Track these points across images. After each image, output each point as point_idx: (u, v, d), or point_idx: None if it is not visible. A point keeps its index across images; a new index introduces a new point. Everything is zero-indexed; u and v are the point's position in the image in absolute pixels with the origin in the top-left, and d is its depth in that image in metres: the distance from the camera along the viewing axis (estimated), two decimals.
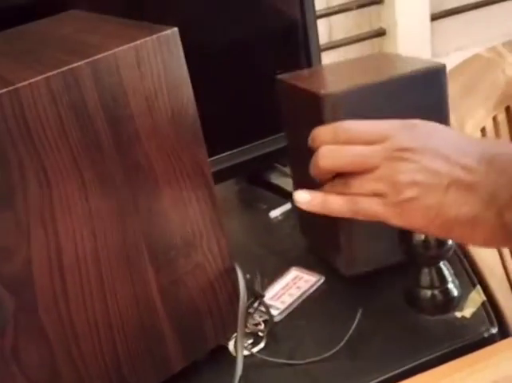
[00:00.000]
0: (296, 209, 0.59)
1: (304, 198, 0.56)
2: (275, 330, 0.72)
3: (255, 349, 0.69)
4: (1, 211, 0.50)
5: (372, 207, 0.52)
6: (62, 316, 0.56)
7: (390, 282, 0.72)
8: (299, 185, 0.72)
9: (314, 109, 0.67)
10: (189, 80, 0.58)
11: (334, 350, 0.66)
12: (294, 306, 0.75)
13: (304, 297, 0.75)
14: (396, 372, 0.63)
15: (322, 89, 0.67)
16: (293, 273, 0.79)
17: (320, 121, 0.65)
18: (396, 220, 0.51)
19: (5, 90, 0.49)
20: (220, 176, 0.82)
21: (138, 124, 0.56)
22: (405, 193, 0.49)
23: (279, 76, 0.77)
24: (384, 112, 0.64)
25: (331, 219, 0.70)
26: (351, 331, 0.67)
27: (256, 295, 0.76)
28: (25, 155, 0.50)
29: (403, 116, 0.55)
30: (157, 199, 0.59)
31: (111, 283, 0.58)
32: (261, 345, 0.69)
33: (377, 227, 0.67)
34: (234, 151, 0.92)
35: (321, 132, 0.56)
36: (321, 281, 0.77)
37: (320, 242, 0.79)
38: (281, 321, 0.73)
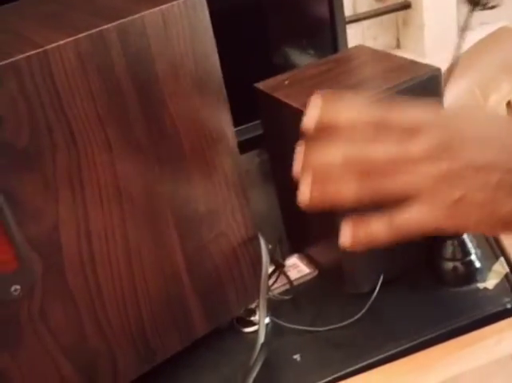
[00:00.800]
0: None
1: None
2: (296, 298, 0.72)
3: (276, 317, 0.69)
4: (30, 172, 0.51)
5: (415, 216, 0.44)
6: (89, 280, 0.56)
7: (412, 254, 0.72)
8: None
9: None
10: (215, 46, 0.58)
11: (355, 317, 0.66)
12: (314, 274, 0.75)
13: None
14: (417, 341, 0.63)
15: None
16: None
17: None
18: (448, 223, 0.44)
19: (34, 52, 0.49)
20: (242, 148, 0.82)
21: (164, 88, 0.56)
22: (454, 193, 0.43)
23: (258, 85, 0.72)
24: None
25: (326, 229, 0.70)
26: (372, 299, 0.67)
27: (277, 264, 0.76)
28: (54, 118, 0.51)
29: None
30: (182, 164, 0.59)
31: (137, 249, 0.59)
32: (283, 312, 0.70)
33: None
34: (256, 122, 0.91)
35: (345, 119, 0.44)
36: None
37: (313, 251, 0.77)
38: (301, 289, 0.73)
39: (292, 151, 0.71)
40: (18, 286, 0.52)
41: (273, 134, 0.74)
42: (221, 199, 0.63)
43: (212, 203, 0.62)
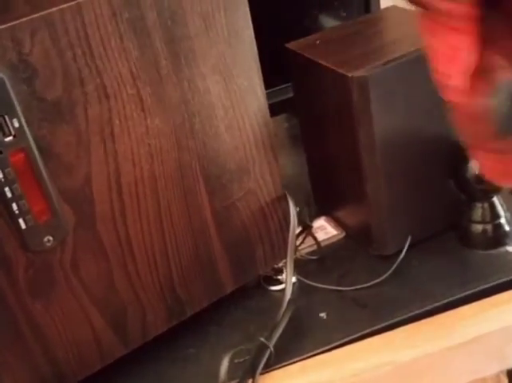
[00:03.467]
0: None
1: None
2: (322, 259, 0.72)
3: (303, 276, 0.70)
4: (63, 125, 0.52)
5: None
6: (119, 234, 0.57)
7: (441, 216, 0.71)
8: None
9: (339, 90, 0.65)
10: (247, 4, 0.58)
11: (382, 278, 0.66)
12: (341, 236, 0.75)
13: None
14: (443, 302, 0.63)
15: (350, 69, 0.62)
16: None
17: (347, 105, 0.63)
18: None
19: (67, 5, 0.49)
20: (270, 111, 0.82)
21: (195, 43, 0.56)
22: None
23: (290, 45, 0.72)
24: (422, 88, 0.63)
25: (354, 192, 0.69)
26: (399, 260, 0.67)
27: (304, 226, 0.77)
28: (86, 71, 0.51)
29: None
30: (212, 121, 0.59)
31: (166, 205, 0.59)
32: (309, 272, 0.70)
33: (408, 200, 0.67)
34: (284, 86, 0.91)
35: None
36: None
37: (341, 213, 0.77)
38: (328, 250, 0.74)
39: (322, 112, 0.71)
40: (51, 237, 0.54)
41: (304, 95, 0.74)
42: (250, 157, 0.63)
43: (241, 161, 0.63)
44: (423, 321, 0.61)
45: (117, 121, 0.54)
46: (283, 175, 0.69)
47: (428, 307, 0.63)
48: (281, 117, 1.02)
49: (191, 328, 0.66)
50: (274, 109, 0.93)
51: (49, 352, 0.57)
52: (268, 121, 0.64)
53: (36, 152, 0.51)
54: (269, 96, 0.91)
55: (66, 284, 0.56)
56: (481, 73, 0.34)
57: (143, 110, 0.55)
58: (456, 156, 0.67)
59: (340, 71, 0.63)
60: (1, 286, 0.53)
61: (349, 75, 0.62)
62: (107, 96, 0.53)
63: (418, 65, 0.62)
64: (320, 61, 0.66)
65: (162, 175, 0.58)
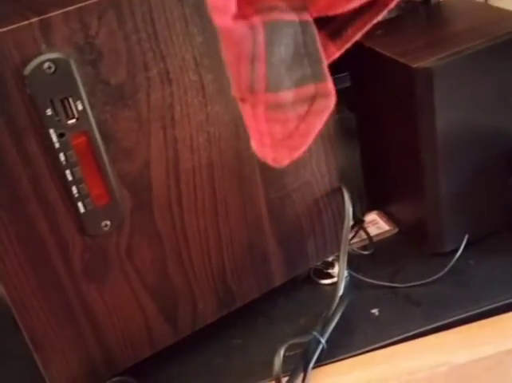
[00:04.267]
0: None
1: None
2: (375, 254, 0.71)
3: (354, 271, 0.68)
4: (125, 109, 0.51)
5: None
6: (175, 221, 0.57)
7: (500, 215, 0.69)
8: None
9: (400, 81, 0.63)
10: None
11: (437, 276, 0.65)
12: (394, 231, 0.74)
13: None
14: (499, 304, 0.62)
15: (414, 60, 0.61)
16: None
17: (409, 97, 0.62)
18: None
19: None
20: None
21: None
22: None
23: None
24: (488, 83, 0.61)
25: (410, 187, 0.68)
26: (455, 259, 0.66)
27: (356, 220, 0.76)
28: (150, 55, 0.51)
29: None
30: None
31: (222, 194, 0.59)
32: (361, 267, 0.69)
33: (466, 197, 0.65)
34: (338, 76, 0.89)
35: None
36: None
37: (395, 208, 0.75)
38: (380, 246, 0.72)
39: (381, 103, 0.69)
40: (108, 222, 0.53)
41: (362, 86, 0.72)
42: (307, 149, 0.62)
43: None
44: (481, 323, 0.59)
45: (178, 107, 0.53)
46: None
47: (485, 308, 0.61)
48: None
49: (240, 318, 0.65)
50: None
51: (100, 336, 0.57)
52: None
53: (98, 136, 0.50)
54: None
55: (121, 269, 0.56)
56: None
57: (204, 97, 0.54)
58: None
59: (404, 61, 0.61)
60: (57, 268, 0.53)
61: (413, 66, 0.60)
62: (169, 82, 0.52)
63: (484, 58, 0.61)
64: (381, 51, 0.64)
65: (219, 163, 0.57)
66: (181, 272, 0.59)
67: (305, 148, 0.40)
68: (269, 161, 0.41)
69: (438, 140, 0.62)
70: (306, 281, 0.70)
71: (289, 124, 0.39)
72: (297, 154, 0.40)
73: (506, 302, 0.61)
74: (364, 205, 0.78)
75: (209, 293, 0.62)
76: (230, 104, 0.56)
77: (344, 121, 1.00)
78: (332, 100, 0.39)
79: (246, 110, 0.39)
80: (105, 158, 0.51)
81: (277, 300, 0.68)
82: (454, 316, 0.61)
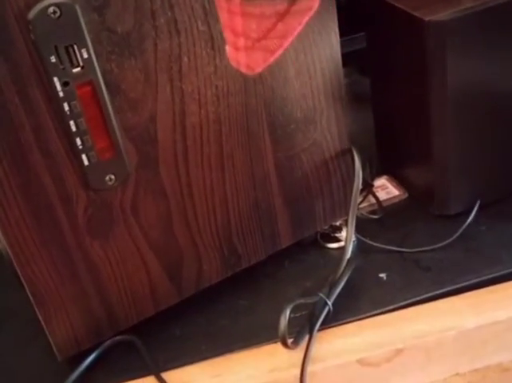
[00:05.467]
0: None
1: None
2: (384, 219, 0.70)
3: (362, 235, 0.67)
4: (132, 59, 0.49)
5: None
6: (180, 177, 0.56)
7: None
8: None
9: (413, 35, 0.61)
10: None
11: (447, 241, 0.64)
12: (404, 196, 0.73)
13: None
14: (510, 270, 0.60)
15: (427, 13, 0.59)
16: None
17: (421, 52, 0.60)
18: None
19: None
20: None
21: None
22: None
23: None
24: (503, 41, 0.59)
25: (420, 149, 0.66)
26: (466, 224, 0.64)
27: (365, 184, 0.74)
28: (158, 3, 0.49)
29: None
30: (281, 64, 0.57)
31: (229, 151, 0.57)
32: (369, 231, 0.68)
33: (476, 160, 0.63)
34: (348, 38, 0.87)
35: None
36: None
37: (405, 172, 0.74)
38: (389, 210, 0.71)
39: (394, 61, 0.67)
40: (113, 176, 0.52)
41: (376, 44, 0.70)
42: (318, 106, 0.61)
43: (309, 110, 0.60)
44: (491, 288, 0.58)
45: (186, 59, 0.52)
46: None
47: (496, 274, 0.60)
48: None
49: (245, 280, 0.64)
50: (346, 59, 0.90)
51: (103, 293, 0.57)
52: (339, 70, 0.61)
53: (103, 86, 0.49)
54: (342, 44, 0.87)
55: (125, 225, 0.55)
56: None
57: (212, 48, 0.53)
58: None
59: (416, 14, 0.59)
60: (60, 222, 0.52)
61: (426, 19, 0.58)
62: (177, 32, 0.50)
63: (501, 14, 0.59)
64: (395, 4, 0.62)
65: (227, 119, 0.56)
66: (186, 230, 0.58)
67: (280, 51, 0.38)
68: (243, 68, 0.39)
69: (448, 98, 0.60)
70: (313, 244, 0.69)
71: (266, 21, 0.37)
72: (271, 58, 0.38)
73: None
74: (374, 169, 0.77)
75: (214, 253, 0.61)
76: None
77: (352, 85, 0.99)
78: (316, 1, 0.36)
79: (221, 3, 0.37)
80: (110, 109, 0.50)
81: (284, 263, 0.67)
82: (463, 281, 0.60)
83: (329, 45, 0.59)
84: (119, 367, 0.58)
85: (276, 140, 0.60)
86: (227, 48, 0.39)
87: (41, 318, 0.54)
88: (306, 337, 0.56)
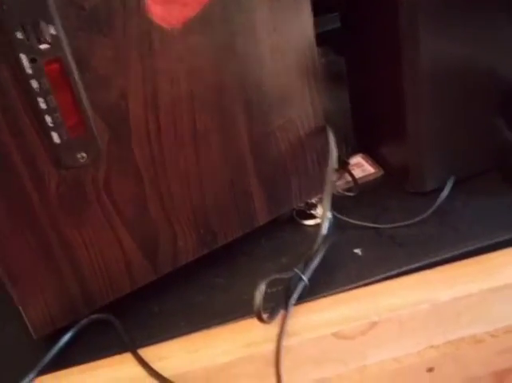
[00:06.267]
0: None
1: None
2: (359, 196, 0.70)
3: (338, 212, 0.67)
4: (101, 36, 0.49)
5: None
6: (154, 155, 0.56)
7: (488, 155, 0.68)
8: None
9: (385, 13, 0.61)
10: None
11: (422, 217, 0.64)
12: (379, 174, 0.73)
13: None
14: (484, 244, 0.61)
15: None
16: None
17: (393, 28, 0.59)
18: None
19: None
20: None
21: None
22: None
23: None
24: (479, 16, 0.59)
25: (395, 127, 0.66)
26: (441, 200, 0.65)
27: (341, 162, 0.74)
28: None
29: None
30: (255, 42, 0.56)
31: (203, 128, 0.57)
32: (345, 208, 0.68)
33: (450, 137, 0.63)
34: (323, 16, 0.87)
35: None
36: None
37: (380, 150, 0.74)
38: (365, 188, 0.71)
39: (368, 39, 0.67)
40: (84, 154, 0.52)
41: (350, 26, 0.70)
42: (293, 84, 0.61)
43: (283, 88, 0.60)
44: (464, 262, 0.59)
45: (157, 36, 0.51)
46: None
47: (470, 248, 0.60)
48: (319, 52, 0.99)
49: (222, 257, 0.64)
50: (320, 39, 0.90)
51: (77, 272, 0.57)
52: (313, 48, 0.61)
53: (72, 63, 0.48)
54: (316, 24, 0.87)
55: (98, 203, 0.55)
56: None
57: (184, 26, 0.52)
58: (508, 93, 0.63)
59: None
60: (32, 201, 0.52)
61: None
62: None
63: None
64: None
65: (200, 96, 0.56)
66: (160, 208, 0.58)
67: (198, 7, 0.38)
68: (159, 20, 0.38)
69: (421, 74, 0.60)
70: (289, 222, 0.69)
71: None
72: (188, 13, 0.38)
73: (491, 242, 0.61)
74: (350, 148, 0.77)
75: (189, 230, 0.61)
76: (211, 34, 0.54)
77: (329, 65, 0.99)
78: None
79: None
80: (80, 86, 0.49)
81: (260, 240, 0.67)
82: (437, 256, 0.60)
83: (302, 23, 0.59)
84: (96, 345, 0.58)
85: (250, 117, 0.59)
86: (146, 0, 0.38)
87: (14, 297, 0.54)
88: (282, 312, 0.56)
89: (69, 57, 0.48)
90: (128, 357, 0.56)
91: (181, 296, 0.62)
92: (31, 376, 0.55)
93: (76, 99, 0.50)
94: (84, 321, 0.59)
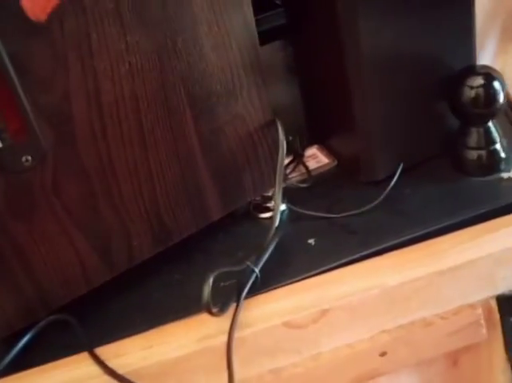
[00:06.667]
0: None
1: None
2: (313, 187, 0.71)
3: (293, 204, 0.68)
4: (38, 39, 0.50)
5: None
6: (101, 155, 0.56)
7: (433, 141, 0.69)
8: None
9: (328, 9, 0.61)
10: None
11: (372, 205, 0.65)
12: (333, 164, 0.74)
13: None
14: (434, 228, 0.62)
15: None
16: None
17: (334, 20, 0.60)
18: None
19: None
20: (265, 37, 0.79)
21: None
22: None
23: None
24: (415, 7, 0.59)
25: (343, 118, 0.66)
26: (390, 187, 0.66)
27: (295, 154, 0.75)
28: None
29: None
30: (196, 39, 0.57)
31: (150, 127, 0.58)
32: (299, 200, 0.69)
33: (398, 124, 0.65)
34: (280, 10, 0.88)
35: None
36: None
37: (333, 141, 0.75)
38: (319, 179, 0.72)
39: (312, 32, 0.68)
40: (29, 157, 0.52)
41: (296, 20, 0.71)
42: (237, 79, 0.61)
43: (228, 84, 0.61)
44: (412, 247, 0.60)
45: (95, 36, 0.52)
46: (278, 106, 0.67)
47: (418, 233, 0.61)
48: (277, 45, 0.99)
49: (178, 254, 0.65)
50: (269, 35, 0.90)
51: (31, 274, 0.57)
52: (255, 43, 0.62)
53: (10, 67, 0.49)
54: (263, 21, 0.88)
55: (48, 206, 0.55)
56: None
57: (122, 26, 0.53)
58: (451, 78, 0.65)
59: None
60: None
61: None
62: (83, 10, 0.51)
63: None
64: None
65: (144, 95, 0.56)
66: (112, 208, 0.59)
67: None
68: (30, 14, 0.39)
69: (363, 65, 0.61)
70: (246, 216, 0.70)
71: None
72: (53, 3, 0.38)
73: (439, 226, 0.62)
74: (305, 140, 0.78)
75: (143, 229, 0.61)
76: (151, 33, 0.55)
77: (288, 57, 1.00)
78: None
79: None
80: (20, 89, 0.50)
81: (217, 235, 0.68)
82: (388, 242, 0.61)
83: (243, 18, 0.59)
84: (54, 346, 0.59)
85: (197, 114, 0.60)
86: None
87: None
88: (234, 306, 0.57)
89: (6, 61, 0.49)
90: (85, 357, 0.56)
91: (138, 294, 0.63)
92: None
93: (17, 103, 0.50)
94: (41, 323, 0.59)
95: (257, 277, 0.58)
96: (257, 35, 0.61)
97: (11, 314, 0.57)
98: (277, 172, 0.65)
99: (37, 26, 0.49)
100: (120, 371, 0.54)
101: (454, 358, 0.64)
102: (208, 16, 0.57)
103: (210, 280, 0.53)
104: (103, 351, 0.57)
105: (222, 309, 0.55)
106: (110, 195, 0.58)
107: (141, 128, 0.57)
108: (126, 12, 0.53)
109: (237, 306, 0.56)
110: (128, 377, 0.53)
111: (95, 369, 0.55)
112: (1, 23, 0.48)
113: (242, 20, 0.59)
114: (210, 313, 0.54)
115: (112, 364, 0.55)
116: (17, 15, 0.48)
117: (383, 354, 0.59)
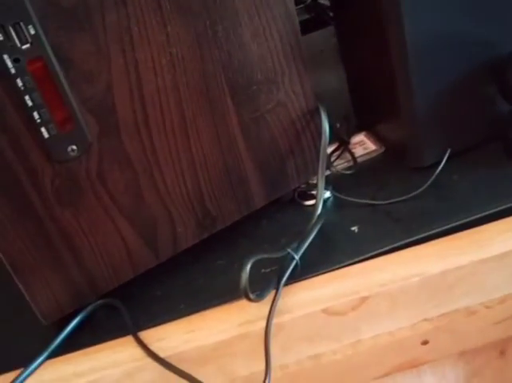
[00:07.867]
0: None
1: None
2: (359, 174, 0.71)
3: (338, 191, 0.68)
4: (81, 33, 0.51)
5: None
6: (144, 144, 0.58)
7: (484, 127, 0.68)
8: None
9: None
10: None
11: (417, 191, 0.64)
12: (380, 151, 0.73)
13: None
14: (479, 215, 0.60)
15: None
16: None
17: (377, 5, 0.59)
18: None
19: None
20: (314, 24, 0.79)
21: None
22: None
23: None
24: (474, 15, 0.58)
25: (389, 103, 0.65)
26: (436, 173, 0.65)
27: (341, 141, 0.75)
28: None
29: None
30: (236, 28, 0.58)
31: (191, 117, 0.59)
32: (344, 187, 0.69)
33: (444, 110, 0.63)
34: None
35: None
36: None
37: (380, 127, 0.74)
38: (365, 165, 0.72)
39: (357, 18, 0.68)
40: (75, 147, 0.54)
41: (341, 7, 0.71)
42: (278, 67, 0.62)
43: (269, 71, 0.61)
44: (455, 235, 0.59)
45: (136, 29, 0.53)
46: (327, 91, 0.67)
47: (464, 220, 0.60)
48: (329, 33, 0.99)
49: (222, 240, 0.66)
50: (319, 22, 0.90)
51: (80, 261, 0.59)
52: (296, 30, 0.61)
53: (54, 61, 0.51)
54: (313, 8, 0.88)
55: (93, 194, 0.57)
56: None
57: (162, 17, 0.54)
58: (501, 61, 0.63)
59: None
60: (29, 196, 0.55)
61: None
62: (124, 3, 0.52)
63: None
64: None
65: (185, 85, 0.57)
66: (156, 195, 0.60)
67: None
68: None
69: (408, 50, 0.60)
70: (291, 203, 0.70)
71: None
72: None
73: (485, 213, 0.60)
74: (351, 126, 0.78)
75: (187, 216, 0.63)
76: (191, 23, 0.56)
77: (336, 44, 0.99)
78: None
79: None
80: (65, 82, 0.52)
81: (261, 222, 0.68)
82: (432, 230, 0.61)
83: (283, 6, 0.59)
84: (101, 329, 0.61)
85: (238, 103, 0.61)
86: None
87: (20, 286, 0.57)
88: (273, 292, 0.57)
89: (51, 55, 0.50)
90: (129, 340, 0.58)
91: (183, 280, 0.64)
92: (41, 359, 0.58)
93: (62, 95, 0.52)
94: (90, 307, 0.62)
95: (297, 264, 0.59)
96: (298, 23, 0.61)
97: (61, 298, 0.60)
98: (320, 160, 0.65)
99: (80, 21, 0.51)
100: (162, 354, 0.55)
101: (501, 348, 0.62)
102: (248, 5, 0.57)
103: (248, 266, 0.54)
104: (146, 335, 0.58)
105: (261, 296, 0.56)
106: (154, 182, 0.59)
107: (183, 118, 0.58)
108: (166, 3, 0.54)
109: (276, 292, 0.57)
110: (168, 360, 0.55)
111: (138, 351, 0.57)
112: (46, 19, 0.49)
113: (284, 9, 0.59)
114: (248, 298, 0.54)
115: (154, 347, 0.56)
116: (58, 9, 0.50)
117: (425, 343, 0.58)
